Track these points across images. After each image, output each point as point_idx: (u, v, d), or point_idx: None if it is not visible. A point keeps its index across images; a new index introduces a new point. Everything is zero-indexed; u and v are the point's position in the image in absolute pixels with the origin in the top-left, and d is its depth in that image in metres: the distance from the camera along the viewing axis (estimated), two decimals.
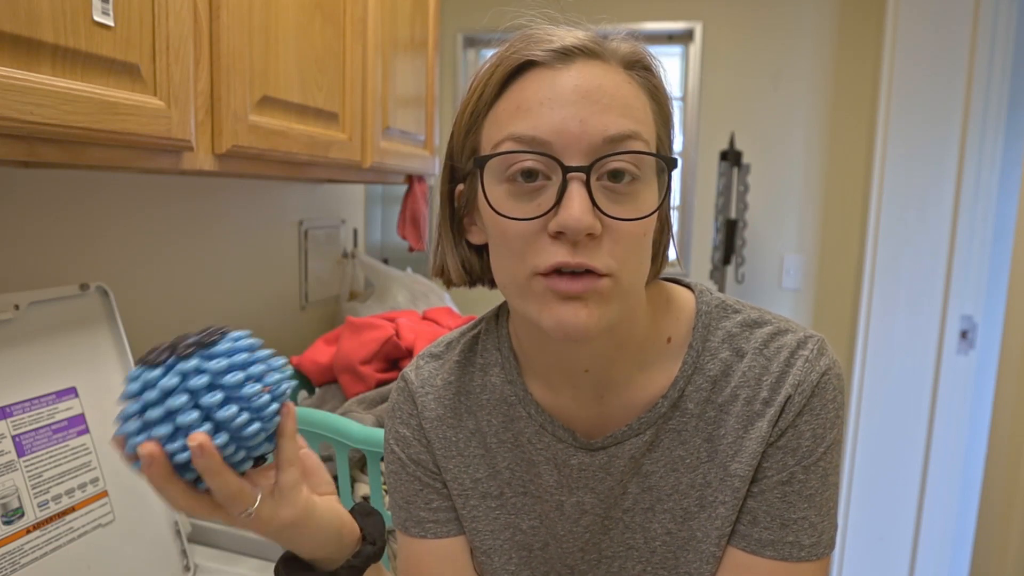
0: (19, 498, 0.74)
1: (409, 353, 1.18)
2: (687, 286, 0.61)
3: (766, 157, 2.26)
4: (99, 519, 0.82)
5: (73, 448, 0.81)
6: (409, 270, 1.75)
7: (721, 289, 2.15)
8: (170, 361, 0.45)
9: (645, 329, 0.56)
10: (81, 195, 1.00)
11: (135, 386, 0.45)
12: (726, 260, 2.17)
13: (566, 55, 0.49)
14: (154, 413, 0.44)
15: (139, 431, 0.44)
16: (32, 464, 0.77)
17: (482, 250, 0.57)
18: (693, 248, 2.35)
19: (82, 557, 0.79)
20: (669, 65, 2.39)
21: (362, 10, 1.15)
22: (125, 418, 0.45)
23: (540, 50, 0.49)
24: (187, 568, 0.89)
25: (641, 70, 0.52)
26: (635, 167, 0.48)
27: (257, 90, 0.88)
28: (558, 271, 0.47)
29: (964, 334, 2.00)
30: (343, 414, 1.05)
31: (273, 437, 0.49)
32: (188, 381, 0.44)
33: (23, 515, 0.74)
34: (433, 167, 1.53)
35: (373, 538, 0.56)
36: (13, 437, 0.76)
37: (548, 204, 0.47)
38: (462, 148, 0.54)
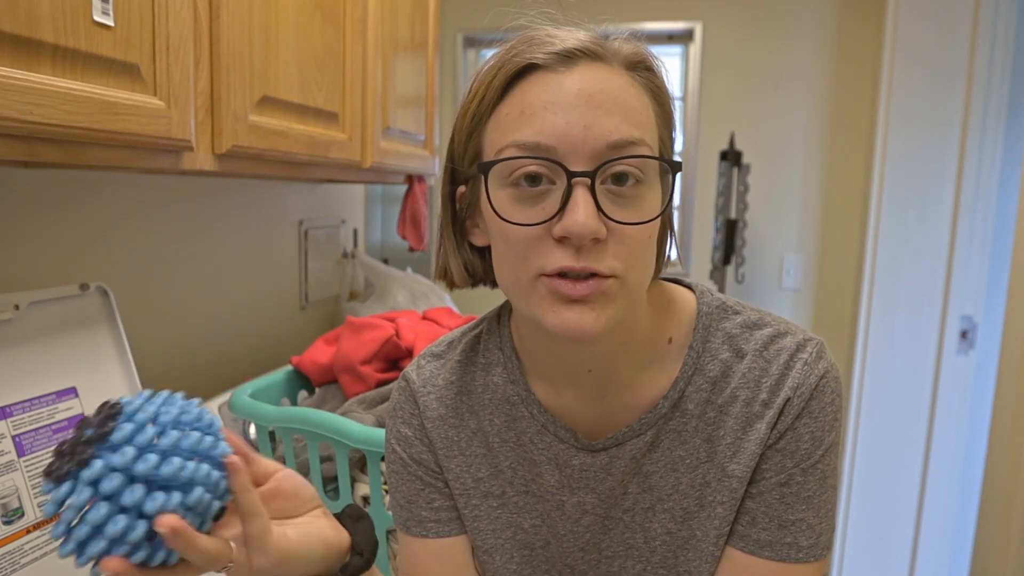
0: (19, 498, 0.74)
1: (409, 353, 1.18)
2: (688, 287, 0.61)
3: (766, 157, 2.26)
4: None
5: None
6: (409, 270, 1.75)
7: (721, 289, 2.15)
8: (74, 470, 0.41)
9: (647, 330, 0.57)
10: (81, 195, 1.00)
11: (49, 507, 0.41)
12: (726, 260, 2.17)
13: (568, 58, 0.49)
14: (82, 531, 0.41)
15: (75, 551, 0.41)
16: (32, 464, 0.77)
17: (484, 252, 0.57)
18: (693, 248, 2.35)
19: None
20: (669, 65, 2.39)
21: (362, 10, 1.15)
22: (58, 536, 0.42)
23: (542, 53, 0.49)
24: None
25: (643, 71, 0.52)
26: (639, 171, 0.48)
27: (257, 90, 0.88)
28: (562, 274, 0.47)
29: (964, 334, 2.00)
30: (343, 414, 1.05)
31: (223, 491, 0.46)
32: (101, 486, 0.40)
33: (23, 515, 0.74)
34: (433, 167, 1.53)
35: (361, 548, 0.56)
36: (13, 437, 0.76)
37: (553, 209, 0.47)
38: (464, 151, 0.54)
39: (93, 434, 0.42)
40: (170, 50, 0.72)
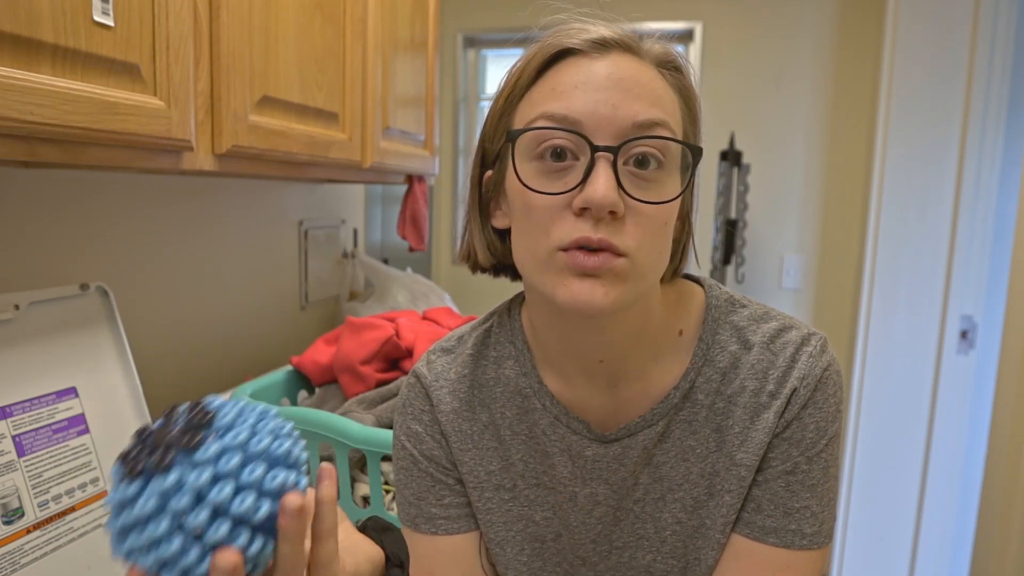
0: (19, 498, 0.74)
1: (409, 353, 1.18)
2: (696, 280, 0.63)
3: (766, 157, 2.26)
4: (99, 519, 0.82)
5: (73, 448, 0.81)
6: (409, 270, 1.75)
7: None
8: (147, 471, 0.39)
9: (659, 321, 0.57)
10: (81, 195, 1.00)
11: (115, 495, 0.39)
12: (726, 260, 2.17)
13: (603, 46, 0.51)
14: (137, 541, 0.39)
15: (127, 555, 0.40)
16: (32, 464, 0.77)
17: (505, 235, 0.58)
18: (693, 248, 2.35)
19: (82, 557, 0.79)
20: None
21: (362, 10, 1.15)
22: (114, 535, 0.40)
23: (578, 39, 0.51)
24: None
25: (673, 70, 0.54)
26: (660, 155, 0.49)
27: (257, 90, 0.88)
28: (578, 247, 0.48)
29: (964, 334, 2.00)
30: (343, 414, 1.05)
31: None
32: (170, 501, 0.38)
33: (23, 515, 0.74)
34: (433, 167, 1.54)
35: (399, 559, 0.56)
36: (13, 437, 0.76)
37: (575, 181, 0.48)
38: (495, 132, 0.56)
39: (179, 439, 0.40)
40: (170, 50, 0.72)
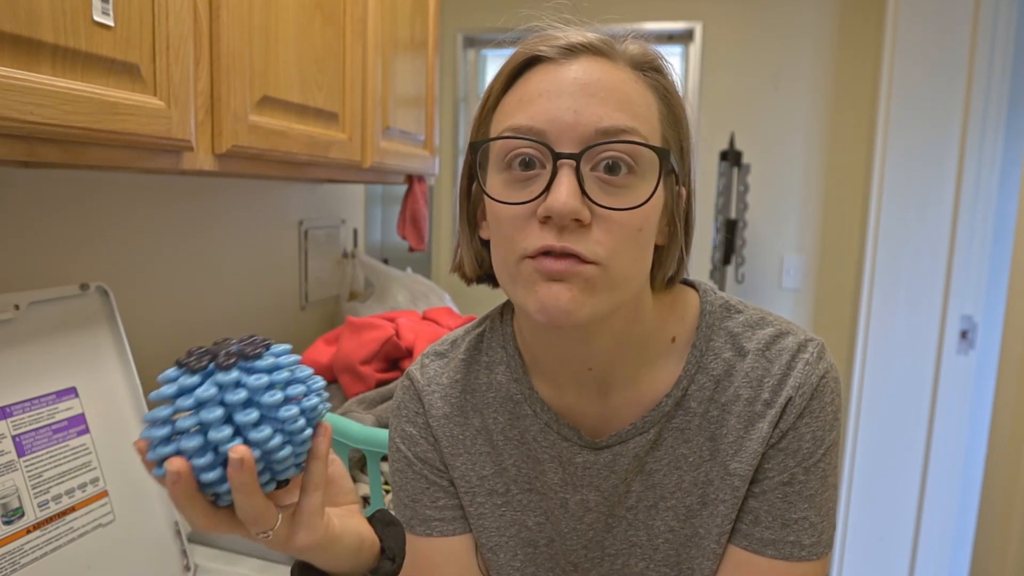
0: (19, 498, 0.74)
1: (409, 353, 1.18)
2: (691, 285, 0.62)
3: (766, 157, 2.26)
4: (99, 519, 0.82)
5: (73, 448, 0.81)
6: (409, 270, 1.75)
7: (721, 289, 2.15)
8: (210, 368, 0.43)
9: (650, 328, 0.57)
10: (81, 195, 1.00)
11: (170, 389, 0.43)
12: (726, 260, 2.17)
13: (571, 51, 0.50)
14: (186, 423, 0.42)
15: (167, 438, 0.43)
16: (32, 464, 0.77)
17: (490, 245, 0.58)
18: (693, 248, 2.35)
19: (82, 557, 0.79)
20: None
21: (362, 10, 1.15)
22: (154, 421, 0.43)
23: (547, 46, 0.51)
24: (187, 568, 0.89)
25: (650, 71, 0.52)
26: (631, 160, 0.48)
27: (257, 90, 0.88)
28: (544, 254, 0.48)
29: (964, 334, 2.00)
30: (343, 414, 1.05)
31: (301, 463, 0.48)
32: (226, 394, 0.42)
33: (23, 515, 0.74)
34: (433, 167, 1.53)
35: (393, 553, 0.56)
36: (13, 437, 0.76)
37: (539, 190, 0.48)
38: (474, 144, 0.56)
39: (238, 350, 0.44)
40: (170, 50, 0.72)
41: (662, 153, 0.50)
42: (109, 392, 0.88)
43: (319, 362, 1.22)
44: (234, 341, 0.46)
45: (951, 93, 1.94)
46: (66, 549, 0.77)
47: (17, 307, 0.80)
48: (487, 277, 0.60)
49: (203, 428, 0.42)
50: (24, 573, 0.73)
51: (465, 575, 0.63)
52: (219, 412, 0.42)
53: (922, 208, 2.00)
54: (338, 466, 0.56)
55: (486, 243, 0.58)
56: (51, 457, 0.79)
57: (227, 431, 0.42)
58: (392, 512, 0.65)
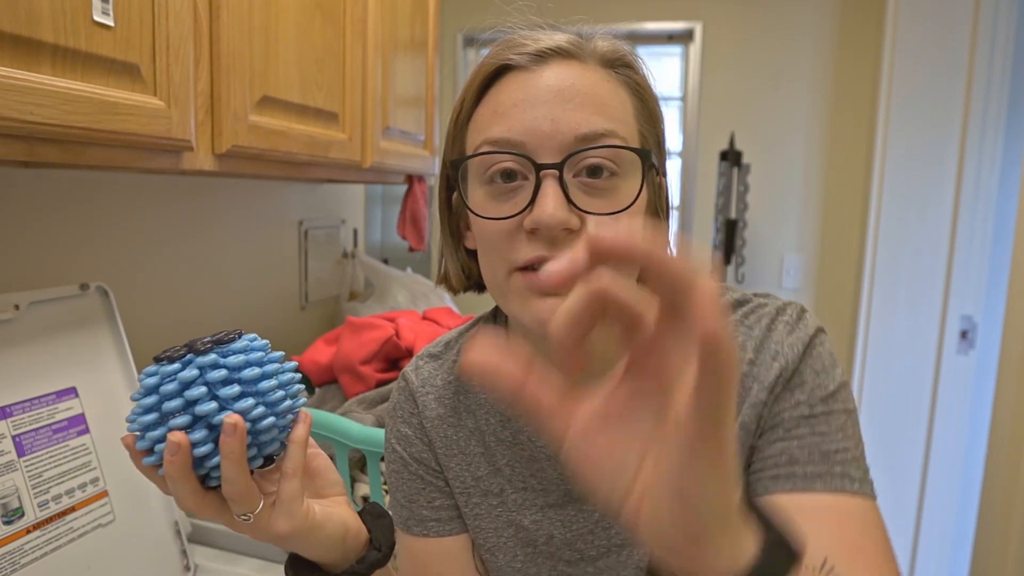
0: (19, 498, 0.74)
1: (409, 353, 1.18)
2: None
3: (766, 157, 2.26)
4: (99, 519, 0.82)
5: (73, 448, 0.81)
6: (409, 270, 1.75)
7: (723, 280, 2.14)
8: (188, 357, 0.46)
9: None
10: (81, 195, 1.00)
11: (153, 379, 0.45)
12: (726, 260, 2.17)
13: (540, 57, 0.50)
14: (172, 404, 0.44)
15: (157, 423, 0.44)
16: (32, 464, 0.77)
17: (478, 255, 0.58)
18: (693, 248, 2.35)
19: (82, 557, 0.79)
20: (669, 65, 2.40)
21: (362, 10, 1.15)
22: (141, 412, 0.45)
23: (515, 54, 0.50)
24: (187, 568, 0.89)
25: (622, 68, 0.52)
26: (613, 163, 0.48)
27: (257, 90, 0.88)
28: (534, 267, 0.48)
29: (964, 334, 1.99)
30: (343, 414, 1.05)
31: (285, 440, 0.49)
32: (206, 374, 0.45)
33: (23, 515, 0.74)
34: (433, 167, 1.53)
35: (379, 543, 0.56)
36: (13, 437, 0.76)
37: (524, 202, 0.48)
38: (451, 154, 0.55)
39: (213, 339, 0.47)
40: (170, 50, 0.72)
41: (643, 154, 0.50)
42: (109, 392, 0.88)
43: (319, 362, 1.22)
44: (207, 336, 0.48)
45: (951, 93, 1.94)
46: (66, 549, 0.77)
47: (17, 307, 0.80)
48: (474, 286, 0.60)
49: (190, 405, 0.44)
50: (24, 573, 0.73)
51: (463, 575, 0.62)
52: (203, 389, 0.44)
53: (922, 208, 2.00)
54: (322, 459, 0.56)
55: (471, 252, 0.58)
56: (51, 457, 0.78)
57: (213, 404, 0.44)
58: (390, 511, 0.65)
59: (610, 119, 0.49)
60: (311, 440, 0.55)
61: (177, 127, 0.73)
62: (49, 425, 0.79)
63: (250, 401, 0.45)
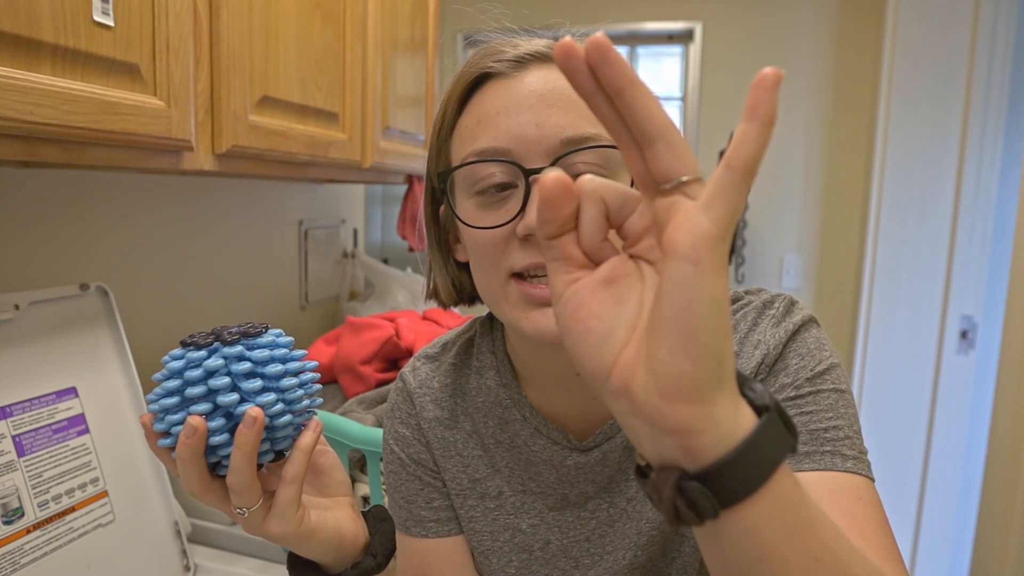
0: (19, 498, 0.74)
1: (409, 353, 1.18)
2: None
3: (766, 157, 2.25)
4: (99, 519, 0.82)
5: (73, 448, 0.81)
6: (409, 270, 1.75)
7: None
8: (215, 345, 0.46)
9: None
10: (81, 195, 1.00)
11: (178, 363, 0.46)
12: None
13: (520, 62, 0.50)
14: (195, 391, 0.44)
15: (178, 407, 0.45)
16: (32, 464, 0.77)
17: (469, 268, 0.58)
18: None
19: (82, 557, 0.79)
20: (669, 65, 2.40)
21: (362, 10, 1.15)
22: (164, 393, 0.45)
23: (494, 61, 0.50)
24: (187, 568, 0.89)
25: None
26: (600, 165, 0.48)
27: (257, 90, 0.88)
28: (529, 276, 0.48)
29: (964, 334, 1.99)
30: (343, 414, 1.05)
31: (291, 442, 0.49)
32: (231, 365, 0.45)
33: (23, 515, 0.74)
34: None
35: (376, 550, 0.55)
36: (13, 437, 0.76)
37: (516, 209, 0.48)
38: (436, 167, 0.55)
39: (240, 330, 0.47)
40: (170, 50, 0.72)
41: None
42: (109, 392, 0.88)
43: (319, 362, 1.22)
44: (235, 326, 0.48)
45: (951, 93, 1.94)
46: (66, 549, 0.77)
47: (17, 307, 0.80)
48: (466, 299, 0.60)
49: (213, 394, 0.45)
50: (24, 573, 0.73)
51: (462, 575, 0.62)
52: (227, 380, 0.45)
53: (922, 208, 2.00)
54: (330, 456, 0.56)
55: (461, 265, 0.58)
56: (51, 457, 0.79)
57: (235, 396, 0.45)
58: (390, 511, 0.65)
59: (594, 122, 0.48)
60: (321, 438, 0.55)
61: (177, 127, 0.73)
62: (49, 425, 0.79)
63: (271, 397, 0.46)
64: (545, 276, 0.47)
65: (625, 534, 0.59)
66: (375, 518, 0.58)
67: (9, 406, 0.76)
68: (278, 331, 0.50)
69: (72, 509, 0.79)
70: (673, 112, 2.38)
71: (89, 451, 0.83)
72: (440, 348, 0.66)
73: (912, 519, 2.07)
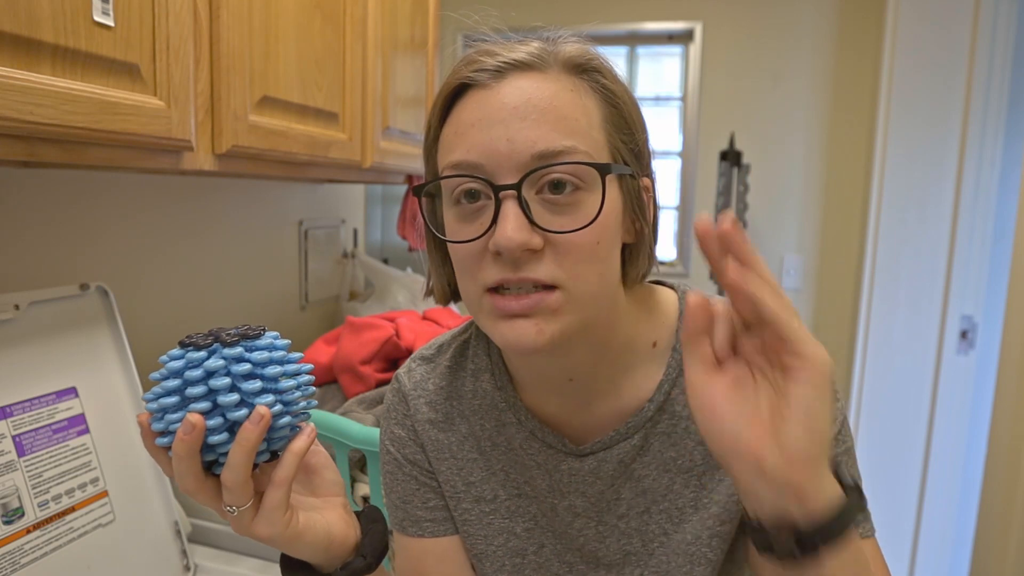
0: (19, 498, 0.74)
1: (409, 353, 1.18)
2: (671, 287, 0.61)
3: (766, 157, 2.26)
4: (99, 519, 0.82)
5: (73, 448, 0.81)
6: (409, 270, 1.75)
7: (720, 290, 2.15)
8: (215, 346, 0.47)
9: (627, 334, 0.56)
10: (81, 195, 1.00)
11: (178, 363, 0.46)
12: None
13: (498, 72, 0.49)
14: (195, 390, 0.45)
15: (177, 407, 0.45)
16: (32, 464, 0.77)
17: None
18: (693, 248, 2.35)
19: (82, 557, 0.79)
20: (669, 65, 2.40)
21: (362, 10, 1.15)
22: (163, 392, 0.46)
23: (472, 71, 0.49)
24: (187, 568, 0.89)
25: (588, 73, 0.50)
26: (576, 177, 0.47)
27: (257, 90, 0.88)
28: (501, 289, 0.48)
29: (964, 334, 1.99)
30: (343, 414, 1.05)
31: (286, 443, 0.50)
32: (231, 366, 0.46)
33: (23, 515, 0.74)
34: None
35: (366, 551, 0.55)
36: (13, 437, 0.76)
37: (487, 224, 0.48)
38: (426, 178, 0.56)
39: (240, 332, 0.48)
40: (170, 50, 0.72)
41: (602, 168, 0.48)
42: (109, 392, 0.88)
43: (319, 362, 1.22)
44: (233, 328, 0.49)
45: (951, 93, 1.94)
46: (66, 549, 0.77)
47: (17, 307, 0.80)
48: (458, 297, 0.60)
49: (212, 394, 0.45)
50: (24, 573, 0.73)
51: (459, 574, 0.62)
52: (227, 380, 0.45)
53: (922, 208, 2.00)
54: (322, 456, 0.56)
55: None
56: (51, 457, 0.79)
57: (235, 396, 0.45)
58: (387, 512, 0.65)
59: (569, 133, 0.47)
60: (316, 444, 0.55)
61: (177, 127, 0.73)
62: (49, 425, 0.79)
63: (270, 398, 0.46)
64: (516, 290, 0.47)
65: (622, 549, 0.59)
66: (368, 519, 0.57)
67: (9, 406, 0.76)
68: (275, 334, 0.50)
69: (72, 509, 0.79)
70: (673, 112, 2.38)
71: (89, 451, 0.83)
72: (436, 350, 0.65)
73: (912, 519, 2.07)
